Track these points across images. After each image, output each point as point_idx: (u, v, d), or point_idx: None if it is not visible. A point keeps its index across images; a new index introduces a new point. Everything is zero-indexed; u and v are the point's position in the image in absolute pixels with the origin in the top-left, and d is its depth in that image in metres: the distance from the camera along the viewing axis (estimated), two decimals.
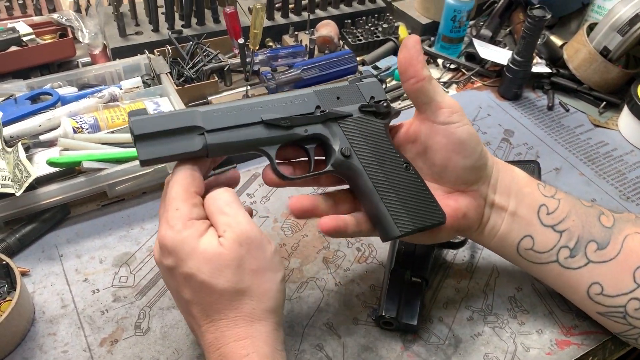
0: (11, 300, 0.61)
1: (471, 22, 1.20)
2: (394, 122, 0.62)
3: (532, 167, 0.81)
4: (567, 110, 1.03)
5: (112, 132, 0.81)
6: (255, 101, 0.55)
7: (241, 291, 0.49)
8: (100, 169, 0.75)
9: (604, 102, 1.03)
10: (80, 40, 1.00)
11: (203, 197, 0.53)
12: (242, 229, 0.50)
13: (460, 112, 0.58)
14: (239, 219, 0.50)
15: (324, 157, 0.59)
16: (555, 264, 0.62)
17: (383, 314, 0.64)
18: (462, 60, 1.11)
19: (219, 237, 0.50)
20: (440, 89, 0.58)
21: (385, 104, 0.59)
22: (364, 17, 1.15)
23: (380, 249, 0.76)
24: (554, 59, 1.09)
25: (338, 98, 0.58)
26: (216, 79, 0.96)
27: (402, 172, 0.57)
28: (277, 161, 0.56)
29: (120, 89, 0.90)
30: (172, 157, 0.52)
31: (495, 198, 0.62)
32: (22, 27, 0.96)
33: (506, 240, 0.63)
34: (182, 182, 0.52)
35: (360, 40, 1.12)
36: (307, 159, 0.59)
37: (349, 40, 1.12)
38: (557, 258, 0.62)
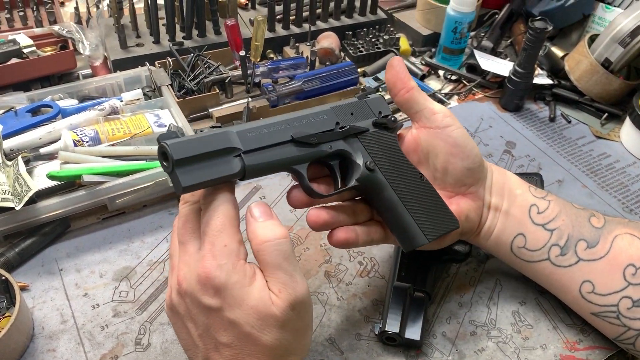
0: (10, 316, 0.61)
1: (472, 34, 1.20)
2: None
3: (535, 180, 0.80)
4: (569, 122, 1.03)
5: (113, 144, 0.81)
6: (280, 119, 0.55)
7: (285, 348, 0.48)
8: (100, 183, 0.74)
9: (606, 114, 1.02)
10: (81, 52, 1.00)
11: None
12: (298, 293, 0.48)
13: (452, 116, 0.61)
14: (297, 280, 0.48)
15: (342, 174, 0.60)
16: (547, 262, 0.64)
17: (386, 329, 0.64)
18: (463, 71, 1.11)
19: (270, 290, 0.47)
20: (428, 97, 0.62)
21: (393, 118, 0.61)
22: (364, 29, 1.15)
23: (382, 262, 0.75)
24: (555, 70, 1.09)
25: (352, 114, 0.59)
26: (217, 91, 0.96)
27: (418, 182, 0.60)
28: (294, 183, 0.56)
29: (121, 101, 0.90)
30: (212, 181, 0.48)
31: (492, 199, 0.65)
32: (23, 39, 0.96)
33: (500, 239, 0.65)
34: (227, 213, 0.48)
35: (361, 51, 1.12)
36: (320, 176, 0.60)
37: (350, 51, 1.11)
38: (549, 256, 0.64)
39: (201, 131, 0.89)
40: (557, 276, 0.64)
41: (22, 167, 0.71)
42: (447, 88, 1.09)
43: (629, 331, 0.61)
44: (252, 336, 0.47)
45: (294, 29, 1.13)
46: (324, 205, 0.59)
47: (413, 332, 0.64)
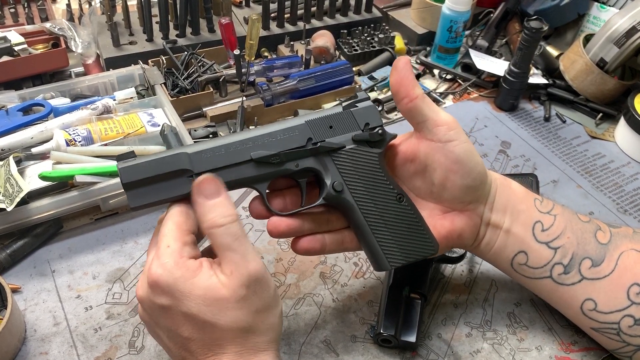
0: (2, 319, 0.60)
1: (467, 32, 1.20)
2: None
3: (530, 181, 0.80)
4: (564, 122, 1.03)
5: (106, 144, 0.80)
6: (244, 137, 0.54)
7: (246, 329, 0.48)
8: (93, 183, 0.73)
9: (601, 114, 1.03)
10: (73, 49, 0.99)
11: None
12: (251, 271, 0.48)
13: (458, 128, 0.57)
14: (249, 259, 0.48)
15: (317, 185, 0.59)
16: (548, 280, 0.62)
17: (381, 331, 0.63)
18: (459, 70, 1.11)
19: (223, 274, 0.48)
20: (435, 106, 0.58)
21: (380, 131, 0.58)
22: (360, 27, 1.14)
23: None
24: (550, 69, 1.09)
25: (331, 127, 0.57)
26: (211, 89, 0.95)
27: (394, 204, 0.57)
28: (267, 191, 0.55)
29: (114, 100, 0.89)
30: (163, 201, 0.52)
31: (492, 216, 0.62)
32: (14, 36, 0.95)
33: (500, 255, 0.63)
34: (175, 219, 0.51)
35: (356, 50, 1.11)
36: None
37: (345, 50, 1.11)
38: (551, 274, 0.62)
39: (195, 130, 0.89)
40: (558, 293, 0.62)
41: (13, 168, 0.70)
42: (442, 87, 1.09)
43: (627, 346, 0.60)
44: (208, 323, 0.47)
45: (289, 27, 1.12)
46: (289, 214, 0.57)
47: (409, 334, 0.64)
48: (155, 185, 0.51)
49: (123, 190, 0.51)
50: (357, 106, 0.58)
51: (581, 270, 0.61)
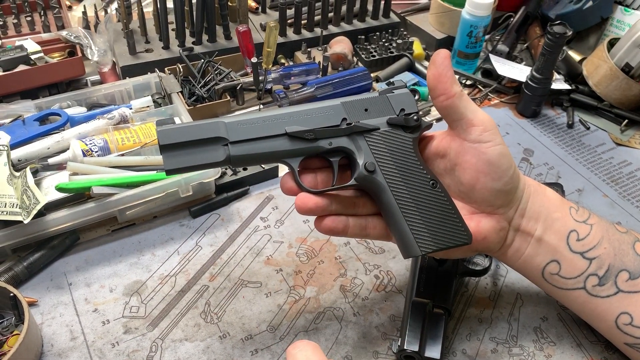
0: (19, 334, 0.59)
1: (486, 37, 1.18)
2: (427, 132, 0.60)
3: (556, 191, 0.77)
4: (588, 128, 1.00)
5: (123, 154, 0.79)
6: (280, 112, 0.55)
7: None
8: (110, 194, 0.72)
9: (626, 120, 1.00)
10: (89, 57, 0.98)
11: None
12: None
13: (493, 130, 0.56)
14: None
15: (349, 168, 0.58)
16: (582, 291, 0.60)
17: (405, 347, 0.61)
18: (479, 76, 1.09)
19: None
20: (473, 105, 0.57)
21: (415, 117, 0.57)
22: (377, 33, 1.13)
23: (399, 276, 0.73)
24: (573, 74, 1.07)
25: (366, 110, 0.58)
26: (228, 98, 0.94)
27: (427, 189, 0.56)
28: (299, 169, 0.55)
29: (130, 108, 0.88)
30: (196, 166, 0.53)
31: (522, 222, 0.60)
32: (30, 45, 0.95)
33: (531, 263, 0.61)
34: None
35: (374, 56, 1.10)
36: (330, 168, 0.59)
37: (363, 56, 1.09)
38: (585, 285, 0.60)
39: None
40: (592, 305, 0.60)
41: (30, 179, 0.69)
42: None
43: None
44: None
45: (306, 34, 1.11)
46: (319, 191, 0.57)
47: (433, 351, 0.62)
48: (190, 150, 0.52)
49: (160, 153, 0.52)
50: (393, 92, 0.59)
51: (617, 282, 0.58)
